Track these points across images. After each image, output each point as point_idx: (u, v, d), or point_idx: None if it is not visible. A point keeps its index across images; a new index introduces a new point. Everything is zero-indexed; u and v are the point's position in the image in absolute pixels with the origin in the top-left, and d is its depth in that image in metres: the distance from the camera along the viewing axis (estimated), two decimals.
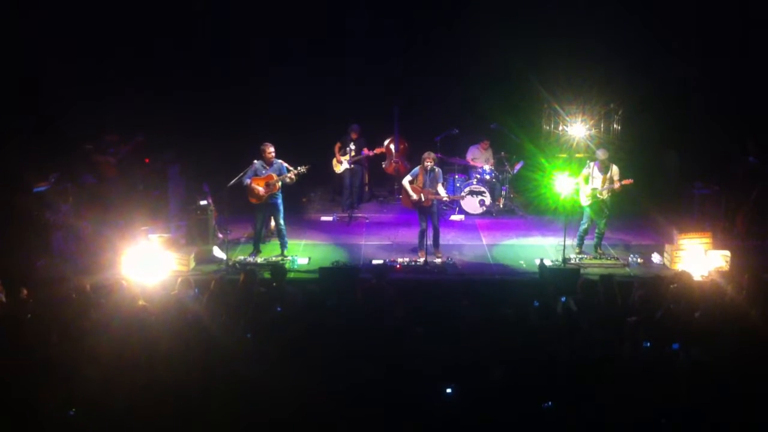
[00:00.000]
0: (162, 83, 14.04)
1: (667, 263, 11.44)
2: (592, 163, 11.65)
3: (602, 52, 14.53)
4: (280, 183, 11.51)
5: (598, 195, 11.49)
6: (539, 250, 12.37)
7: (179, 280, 8.97)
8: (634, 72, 14.55)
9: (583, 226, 11.80)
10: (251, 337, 7.09)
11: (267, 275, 9.84)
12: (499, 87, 15.12)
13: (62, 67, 13.20)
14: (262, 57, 15.04)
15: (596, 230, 11.76)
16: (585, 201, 11.63)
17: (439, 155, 13.91)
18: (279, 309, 7.55)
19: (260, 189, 11.46)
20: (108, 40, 13.78)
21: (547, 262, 11.36)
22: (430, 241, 11.72)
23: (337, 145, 14.72)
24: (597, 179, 11.51)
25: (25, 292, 8.50)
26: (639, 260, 11.53)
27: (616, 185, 11.38)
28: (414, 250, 11.98)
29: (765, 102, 13.39)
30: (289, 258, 11.64)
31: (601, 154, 11.52)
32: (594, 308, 8.17)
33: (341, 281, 10.07)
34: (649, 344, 7.03)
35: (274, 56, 15.13)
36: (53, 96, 13.05)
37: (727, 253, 11.17)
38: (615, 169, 11.49)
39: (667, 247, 11.59)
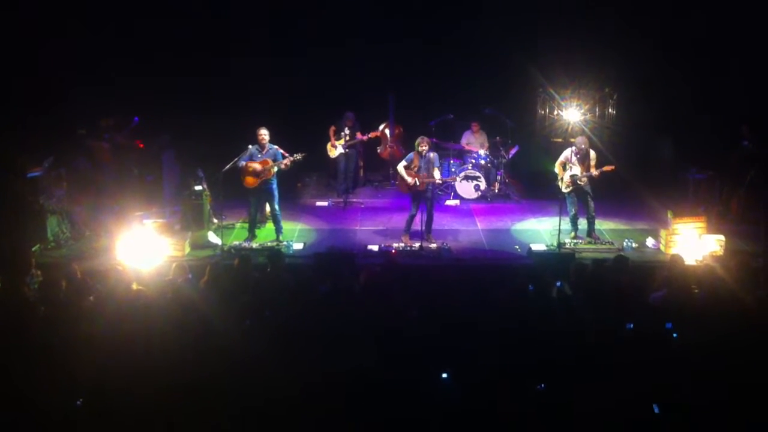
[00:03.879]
0: (157, 67, 13.97)
1: (661, 248, 11.48)
2: (569, 150, 11.68)
3: (597, 37, 14.50)
4: (275, 168, 11.50)
5: (579, 182, 11.52)
6: (534, 234, 12.41)
7: (174, 265, 8.97)
8: (629, 57, 14.53)
9: (572, 213, 11.84)
10: (243, 323, 7.08)
11: (261, 259, 9.85)
12: (495, 72, 15.11)
13: (55, 50, 13.13)
14: (258, 41, 14.97)
15: (587, 215, 11.78)
16: (566, 188, 11.66)
17: (434, 140, 13.92)
18: (268, 313, 7.55)
19: (255, 174, 11.45)
20: (102, 22, 13.71)
21: (538, 248, 11.40)
22: (418, 227, 11.71)
23: (332, 129, 14.69)
24: (576, 166, 11.55)
25: (19, 277, 8.49)
26: (634, 245, 11.56)
27: (594, 173, 11.42)
28: (412, 235, 11.95)
29: (759, 87, 13.39)
30: (284, 243, 11.65)
31: (580, 141, 11.57)
32: (588, 292, 8.19)
33: (336, 266, 10.07)
34: (632, 326, 7.05)
35: (271, 40, 15.06)
36: (47, 80, 12.99)
37: (722, 237, 11.20)
38: (593, 155, 11.55)
39: (662, 231, 11.62)
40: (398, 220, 13.08)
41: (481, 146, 14.98)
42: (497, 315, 7.16)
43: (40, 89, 12.95)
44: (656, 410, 5.82)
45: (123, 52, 13.75)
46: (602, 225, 12.54)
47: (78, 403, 5.92)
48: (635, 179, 13.26)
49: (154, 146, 13.64)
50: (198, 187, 12.40)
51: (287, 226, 12.42)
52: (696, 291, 7.93)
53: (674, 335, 6.91)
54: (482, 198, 14.53)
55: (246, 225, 12.13)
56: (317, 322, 6.94)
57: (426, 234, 11.76)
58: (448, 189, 14.54)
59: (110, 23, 13.81)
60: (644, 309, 7.61)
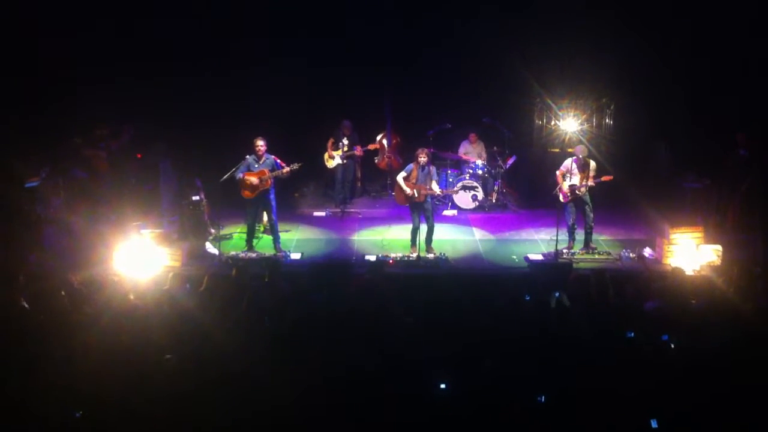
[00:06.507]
0: (155, 77, 13.96)
1: (659, 258, 11.48)
2: (569, 160, 11.72)
3: (594, 47, 14.53)
4: (272, 178, 11.50)
5: (578, 192, 11.54)
6: (532, 244, 12.41)
7: (171, 275, 8.95)
8: (626, 66, 14.56)
9: (570, 222, 11.85)
10: (241, 331, 7.07)
11: (259, 270, 9.84)
12: (492, 82, 15.13)
13: (52, 60, 13.12)
14: (256, 51, 14.97)
15: (585, 225, 11.79)
16: (565, 198, 11.68)
17: (431, 150, 13.93)
18: (267, 321, 7.55)
19: (252, 184, 11.45)
20: (100, 31, 13.70)
21: (536, 258, 11.40)
22: (422, 237, 11.72)
23: (330, 141, 14.69)
24: (575, 176, 11.59)
25: (17, 286, 8.46)
26: (631, 254, 11.56)
27: (591, 182, 11.46)
28: (406, 246, 11.95)
29: (755, 95, 13.40)
30: (282, 253, 11.64)
31: (580, 150, 11.61)
32: (587, 302, 8.19)
33: (334, 276, 10.06)
34: (632, 335, 7.06)
35: (270, 51, 15.07)
36: (44, 90, 12.98)
37: (719, 247, 11.20)
38: (593, 165, 11.59)
39: (659, 241, 11.62)
40: (396, 230, 13.07)
41: (479, 156, 15.00)
42: (495, 325, 7.16)
43: (36, 99, 12.94)
44: (654, 425, 5.79)
45: (120, 62, 13.72)
46: (600, 235, 12.55)
47: (77, 414, 5.89)
48: (632, 189, 13.26)
49: (152, 156, 13.63)
50: (196, 197, 12.40)
51: (285, 235, 12.42)
52: (693, 302, 7.93)
53: (671, 345, 6.91)
54: (480, 208, 14.53)
55: (244, 235, 12.11)
56: (314, 330, 6.93)
57: (425, 245, 11.75)
58: (445, 199, 14.54)
59: (108, 31, 13.79)
60: (642, 319, 7.62)
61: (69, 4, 13.34)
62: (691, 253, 11.14)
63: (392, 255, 11.56)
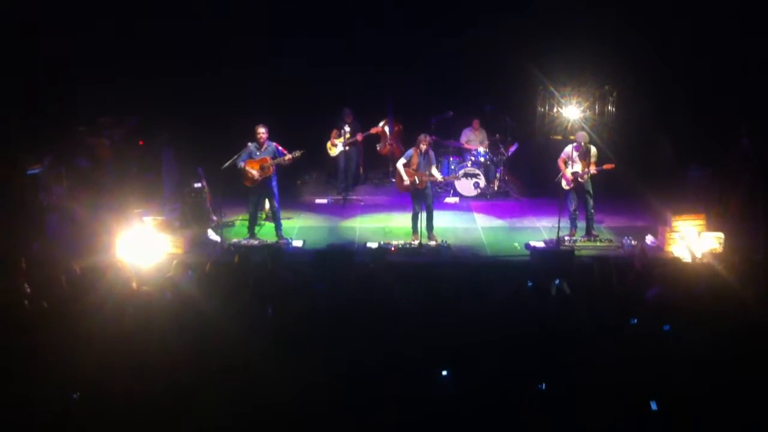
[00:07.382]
0: (157, 65, 13.95)
1: (661, 245, 11.48)
2: (570, 147, 11.70)
3: (597, 34, 14.48)
4: (274, 166, 11.50)
5: (579, 179, 11.54)
6: (533, 232, 12.42)
7: (174, 262, 8.96)
8: (629, 54, 14.52)
9: (572, 208, 11.84)
10: (243, 321, 7.07)
11: (261, 257, 9.84)
12: (495, 69, 15.09)
13: (56, 49, 13.10)
14: (257, 38, 14.94)
15: (586, 213, 11.79)
16: (568, 184, 11.68)
17: (434, 138, 13.93)
18: (270, 311, 7.55)
19: (254, 172, 11.45)
20: (103, 20, 13.68)
21: (537, 245, 11.41)
22: (424, 224, 11.74)
23: (334, 132, 14.66)
24: (576, 163, 11.57)
25: (20, 274, 8.48)
26: (633, 242, 11.55)
27: (593, 170, 11.44)
28: (409, 233, 11.96)
29: (758, 85, 13.37)
30: (284, 240, 11.65)
31: (581, 137, 11.57)
32: (589, 290, 8.20)
33: (336, 264, 10.08)
34: (636, 321, 7.07)
35: (270, 38, 15.03)
36: (47, 78, 12.97)
37: (721, 234, 11.20)
38: (594, 151, 11.57)
39: (661, 228, 11.62)
40: (398, 218, 13.09)
41: (481, 144, 14.99)
42: (497, 313, 7.17)
43: (40, 86, 12.93)
44: (654, 407, 5.82)
45: (122, 51, 13.71)
46: (602, 222, 12.55)
47: (75, 396, 5.92)
48: (635, 177, 13.25)
49: (154, 144, 13.63)
50: (197, 185, 12.40)
51: (287, 223, 12.43)
52: (694, 289, 7.93)
53: (672, 333, 6.92)
54: (482, 195, 14.54)
55: (246, 222, 12.13)
56: (317, 321, 6.94)
57: (427, 232, 11.77)
58: (447, 186, 14.54)
59: (111, 22, 13.77)
60: (644, 307, 7.62)
61: (69, 4, 13.31)
62: (693, 240, 11.12)
63: (394, 242, 11.57)
